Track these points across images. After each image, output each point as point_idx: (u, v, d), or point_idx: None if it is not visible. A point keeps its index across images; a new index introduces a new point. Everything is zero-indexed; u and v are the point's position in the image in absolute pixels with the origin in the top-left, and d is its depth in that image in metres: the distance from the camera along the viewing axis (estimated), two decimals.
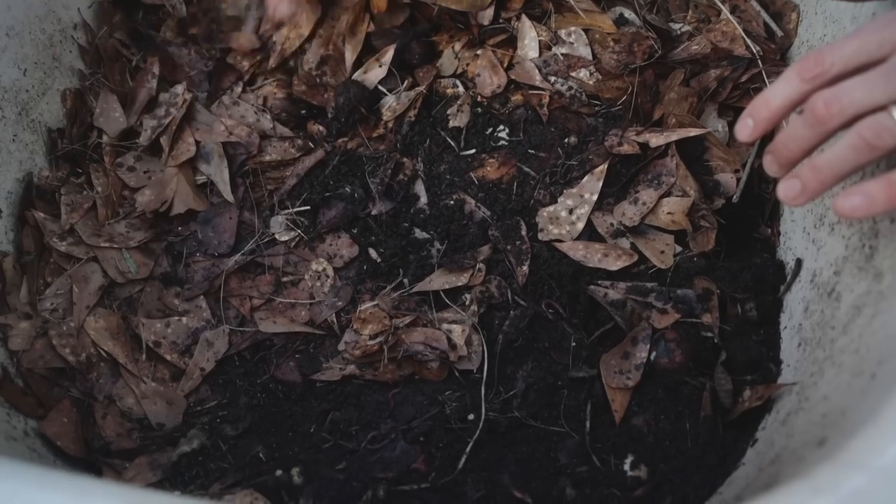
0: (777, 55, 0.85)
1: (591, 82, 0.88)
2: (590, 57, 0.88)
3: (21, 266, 0.83)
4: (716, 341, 0.76)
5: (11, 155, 0.84)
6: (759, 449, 0.68)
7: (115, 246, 0.84)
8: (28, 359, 0.79)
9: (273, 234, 0.86)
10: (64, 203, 0.86)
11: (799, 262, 0.76)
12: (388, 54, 0.89)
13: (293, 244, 0.86)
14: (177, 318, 0.83)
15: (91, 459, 0.75)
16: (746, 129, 0.60)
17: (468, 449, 0.73)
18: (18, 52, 0.85)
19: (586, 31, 0.89)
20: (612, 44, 0.88)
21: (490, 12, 0.90)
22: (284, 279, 0.85)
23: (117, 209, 0.88)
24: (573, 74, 0.88)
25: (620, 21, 0.89)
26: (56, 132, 0.89)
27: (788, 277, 0.77)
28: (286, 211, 0.87)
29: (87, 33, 0.92)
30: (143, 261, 0.84)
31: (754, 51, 0.84)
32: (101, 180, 0.88)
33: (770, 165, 0.61)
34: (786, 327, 0.76)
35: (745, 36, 0.85)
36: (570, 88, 0.88)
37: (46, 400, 0.77)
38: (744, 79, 0.85)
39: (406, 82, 0.90)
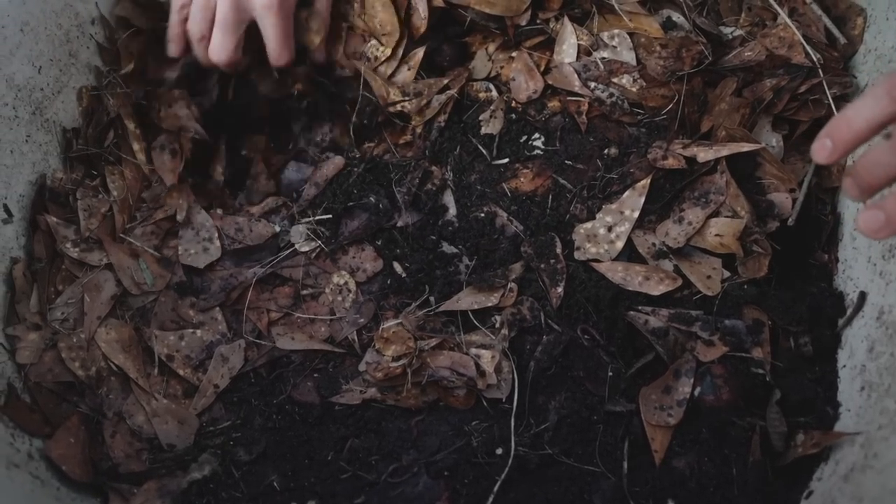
0: (840, 64, 0.74)
1: (633, 89, 0.77)
2: (633, 62, 0.78)
3: (32, 273, 0.75)
4: (767, 379, 0.66)
5: (24, 156, 0.76)
6: (815, 503, 0.59)
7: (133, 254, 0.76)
8: (36, 372, 0.71)
9: (293, 244, 0.77)
10: (81, 208, 0.77)
11: (863, 296, 0.66)
12: (417, 56, 0.79)
13: (314, 255, 0.77)
14: (191, 330, 0.74)
15: (97, 483, 0.67)
16: (824, 150, 0.50)
17: (496, 488, 0.64)
18: (33, 48, 0.76)
19: (631, 35, 0.79)
20: (658, 49, 0.77)
21: (527, 13, 0.80)
22: (304, 292, 0.76)
23: (134, 213, 0.79)
24: (615, 80, 0.78)
25: (668, 25, 0.79)
26: (71, 132, 0.80)
27: (849, 311, 0.67)
28: (307, 220, 0.78)
29: (105, 29, 0.83)
30: (159, 272, 0.76)
31: (814, 59, 0.73)
32: (116, 183, 0.79)
33: (850, 189, 0.52)
34: (844, 366, 0.66)
35: (804, 42, 0.74)
36: (611, 95, 0.78)
37: (54, 417, 0.70)
38: (802, 89, 0.74)
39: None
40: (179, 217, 0.77)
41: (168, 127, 0.79)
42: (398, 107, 0.78)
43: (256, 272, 0.76)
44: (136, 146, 0.79)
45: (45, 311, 0.73)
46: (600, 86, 0.78)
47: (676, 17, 0.79)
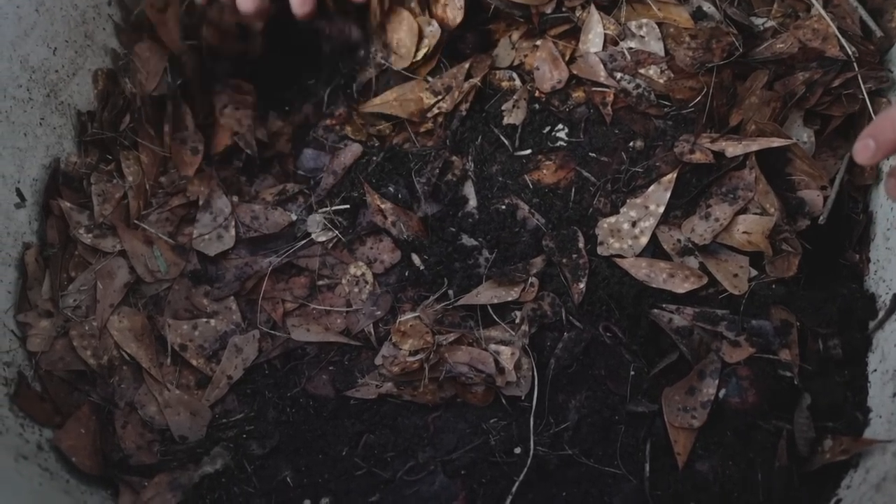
0: (875, 57, 0.71)
1: (661, 81, 0.74)
2: (662, 53, 0.75)
3: (44, 259, 0.72)
4: (795, 382, 0.63)
5: (38, 139, 0.73)
6: None
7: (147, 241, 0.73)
8: (47, 361, 0.68)
9: (309, 233, 0.74)
10: (95, 193, 0.75)
11: None
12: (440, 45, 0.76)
13: (330, 245, 0.74)
14: (205, 319, 0.72)
15: (108, 475, 0.65)
16: (867, 150, 0.47)
17: (514, 489, 0.62)
18: (48, 29, 0.73)
19: (659, 24, 0.75)
20: (687, 39, 0.74)
21: (553, 1, 0.76)
22: (320, 283, 0.73)
23: (149, 199, 0.77)
24: (642, 71, 0.75)
25: (698, 14, 0.75)
26: (86, 115, 0.77)
27: (881, 313, 0.64)
28: (324, 209, 0.75)
29: (122, 9, 0.80)
30: (173, 260, 0.73)
31: (849, 52, 0.70)
32: (132, 168, 0.76)
33: (893, 191, 0.49)
34: (875, 370, 0.63)
35: (838, 34, 0.71)
36: (637, 87, 0.75)
37: (64, 406, 0.67)
38: (835, 83, 0.70)
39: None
40: (201, 199, 0.74)
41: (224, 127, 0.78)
42: (435, 109, 0.75)
43: (272, 261, 0.73)
44: (152, 132, 0.77)
45: (57, 297, 0.71)
46: (626, 76, 0.75)
47: (707, 6, 0.75)
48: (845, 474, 0.60)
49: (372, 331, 0.71)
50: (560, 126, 0.75)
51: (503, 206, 0.73)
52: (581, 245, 0.70)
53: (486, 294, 0.69)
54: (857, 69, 0.70)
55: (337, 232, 0.74)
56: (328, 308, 0.72)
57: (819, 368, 0.64)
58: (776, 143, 0.68)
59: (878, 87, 0.70)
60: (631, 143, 0.73)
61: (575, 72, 0.76)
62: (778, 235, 0.67)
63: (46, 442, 0.64)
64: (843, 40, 0.70)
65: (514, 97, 0.76)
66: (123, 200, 0.75)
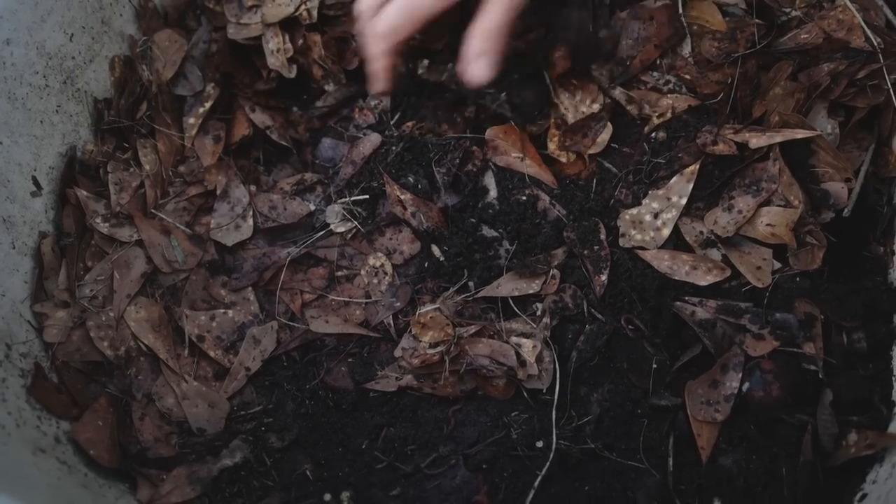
0: None
1: (686, 77, 0.72)
2: (688, 53, 0.72)
3: (60, 248, 0.70)
4: (819, 376, 0.61)
5: (54, 127, 0.71)
6: None
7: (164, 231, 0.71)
8: (64, 352, 0.66)
9: (328, 224, 0.72)
10: (112, 182, 0.72)
11: None
12: None
13: (349, 236, 0.72)
14: (223, 310, 0.70)
15: (125, 468, 0.63)
16: None
17: (537, 483, 0.60)
18: (65, 15, 0.71)
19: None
20: (711, 31, 0.71)
21: None
22: (339, 273, 0.71)
23: (166, 188, 0.74)
24: (668, 76, 0.72)
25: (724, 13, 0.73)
26: (103, 103, 0.75)
27: None
28: (343, 200, 0.72)
29: None
30: (191, 250, 0.71)
31: (874, 43, 0.68)
32: (149, 157, 0.74)
33: None
34: None
35: (864, 25, 0.68)
36: (667, 83, 0.72)
37: (81, 398, 0.65)
38: (860, 75, 0.68)
39: None
40: (219, 189, 0.72)
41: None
42: None
43: (290, 252, 0.71)
44: (169, 120, 0.74)
45: (73, 288, 0.69)
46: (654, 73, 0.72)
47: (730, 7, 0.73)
48: (870, 469, 0.58)
49: (391, 322, 0.69)
50: None
51: (524, 197, 0.71)
52: (603, 237, 0.68)
53: (506, 286, 0.67)
54: (882, 60, 0.67)
55: (356, 222, 0.72)
56: (347, 299, 0.70)
57: (843, 362, 0.62)
58: (800, 134, 0.66)
59: None
60: (653, 134, 0.71)
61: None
62: (802, 228, 0.65)
63: (64, 434, 0.62)
64: (868, 31, 0.68)
65: None
66: (140, 189, 0.73)
